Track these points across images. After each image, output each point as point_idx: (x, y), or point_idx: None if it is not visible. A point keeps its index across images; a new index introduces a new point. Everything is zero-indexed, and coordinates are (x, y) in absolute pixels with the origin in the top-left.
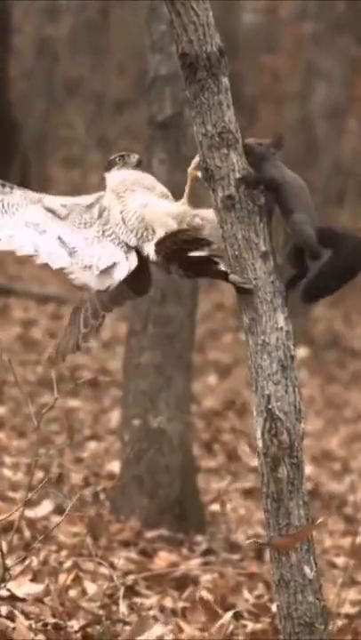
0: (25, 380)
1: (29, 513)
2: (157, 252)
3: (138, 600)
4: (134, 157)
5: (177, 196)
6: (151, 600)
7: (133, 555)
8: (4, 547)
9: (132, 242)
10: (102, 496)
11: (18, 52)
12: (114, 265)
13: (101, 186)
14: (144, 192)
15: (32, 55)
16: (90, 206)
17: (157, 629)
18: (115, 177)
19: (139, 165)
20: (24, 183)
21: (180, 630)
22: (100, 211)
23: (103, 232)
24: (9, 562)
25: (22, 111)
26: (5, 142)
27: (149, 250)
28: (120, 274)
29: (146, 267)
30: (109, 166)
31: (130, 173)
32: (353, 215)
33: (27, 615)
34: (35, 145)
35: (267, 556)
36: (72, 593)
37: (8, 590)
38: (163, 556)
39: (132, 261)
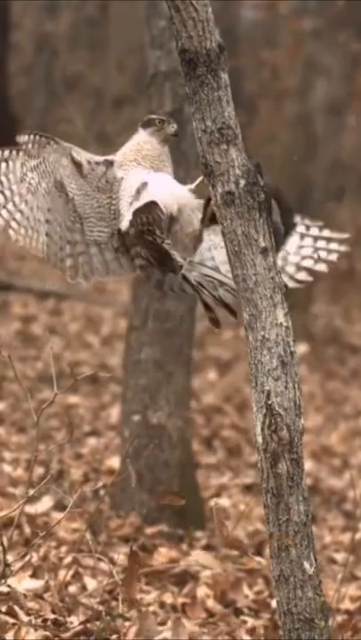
0: (24, 375)
1: (29, 509)
2: (132, 222)
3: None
4: (173, 127)
5: None
6: (151, 596)
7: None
8: (5, 542)
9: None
10: (102, 492)
11: (17, 48)
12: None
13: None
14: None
15: (32, 51)
16: (107, 167)
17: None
18: (141, 139)
19: (175, 136)
20: None
21: None
22: (112, 180)
23: (110, 206)
24: (9, 558)
25: (22, 107)
26: (5, 138)
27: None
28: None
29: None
30: (147, 124)
31: (153, 145)
32: (353, 211)
33: (27, 611)
34: None
35: (267, 551)
36: (72, 589)
37: (9, 586)
38: (162, 551)
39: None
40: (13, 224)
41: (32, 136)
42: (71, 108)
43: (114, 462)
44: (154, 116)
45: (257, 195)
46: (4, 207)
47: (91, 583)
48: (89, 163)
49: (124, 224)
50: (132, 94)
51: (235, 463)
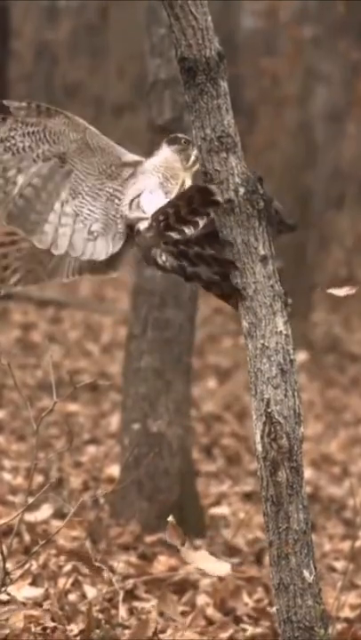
0: (24, 383)
1: (29, 517)
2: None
3: (137, 604)
4: (193, 153)
5: None
6: (151, 604)
7: (133, 559)
8: (5, 550)
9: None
10: (102, 500)
11: (17, 55)
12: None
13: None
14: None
15: (31, 58)
16: (125, 165)
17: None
18: (168, 156)
19: (192, 165)
20: None
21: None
22: (129, 175)
23: (113, 194)
24: (9, 566)
25: None
26: None
27: (142, 223)
28: (99, 249)
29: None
30: (172, 142)
31: (177, 165)
32: (353, 219)
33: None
34: None
35: (266, 559)
36: (71, 597)
37: (8, 594)
38: (162, 560)
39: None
40: None
41: (31, 104)
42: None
43: (114, 470)
44: (180, 135)
45: (256, 203)
46: None
47: (90, 591)
48: (102, 149)
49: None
50: (131, 101)
51: (234, 471)
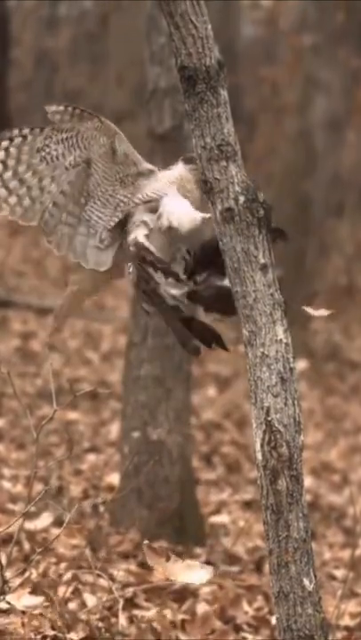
0: (24, 392)
1: (29, 525)
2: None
3: (137, 613)
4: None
5: None
6: (151, 612)
7: (133, 567)
8: (4, 559)
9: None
10: (102, 508)
11: (17, 63)
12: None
13: None
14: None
15: (31, 66)
16: (140, 174)
17: None
18: (183, 173)
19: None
20: None
21: None
22: (142, 185)
23: (122, 201)
24: (8, 574)
25: (22, 122)
26: None
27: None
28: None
29: None
30: (189, 161)
31: (191, 185)
32: (352, 226)
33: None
34: None
35: (266, 568)
36: (71, 605)
37: (7, 603)
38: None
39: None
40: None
41: (67, 108)
42: None
43: (113, 478)
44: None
45: (256, 211)
46: None
47: (90, 599)
48: (126, 156)
49: (136, 236)
50: (131, 109)
51: (234, 479)
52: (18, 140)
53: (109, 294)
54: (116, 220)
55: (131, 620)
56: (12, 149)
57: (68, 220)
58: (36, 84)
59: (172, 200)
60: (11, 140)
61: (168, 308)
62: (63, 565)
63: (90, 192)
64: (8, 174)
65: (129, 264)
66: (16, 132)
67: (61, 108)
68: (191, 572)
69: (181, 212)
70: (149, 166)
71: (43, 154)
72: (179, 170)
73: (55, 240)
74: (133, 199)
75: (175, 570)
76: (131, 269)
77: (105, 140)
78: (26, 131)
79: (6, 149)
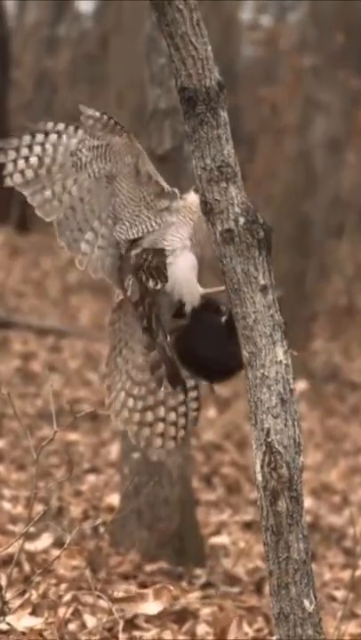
0: (24, 412)
1: (29, 546)
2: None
3: (137, 634)
4: None
5: None
6: (151, 633)
7: (133, 587)
8: (4, 580)
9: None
10: (102, 529)
11: (17, 84)
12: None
13: None
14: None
15: (31, 87)
16: (162, 196)
17: None
18: (195, 203)
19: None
20: (24, 215)
21: None
22: (164, 208)
23: (144, 224)
24: (8, 595)
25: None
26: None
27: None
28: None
29: None
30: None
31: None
32: (352, 247)
33: None
34: None
35: (266, 589)
36: (71, 626)
37: (8, 624)
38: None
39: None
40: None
41: (102, 116)
42: None
43: (113, 499)
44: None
45: (256, 232)
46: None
47: (90, 621)
48: (150, 177)
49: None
50: (131, 131)
51: (234, 500)
52: (54, 137)
53: (109, 314)
54: (134, 231)
55: None
56: (48, 146)
57: (99, 243)
58: (35, 105)
59: (182, 271)
60: (46, 134)
61: (164, 331)
62: (63, 586)
63: (117, 214)
64: (40, 164)
65: (129, 276)
66: (50, 125)
67: (97, 114)
68: (145, 605)
69: (187, 288)
70: (170, 188)
71: (74, 158)
72: (191, 198)
73: (85, 260)
74: (152, 222)
75: (129, 603)
76: (131, 281)
77: (129, 160)
78: (60, 127)
79: (42, 144)
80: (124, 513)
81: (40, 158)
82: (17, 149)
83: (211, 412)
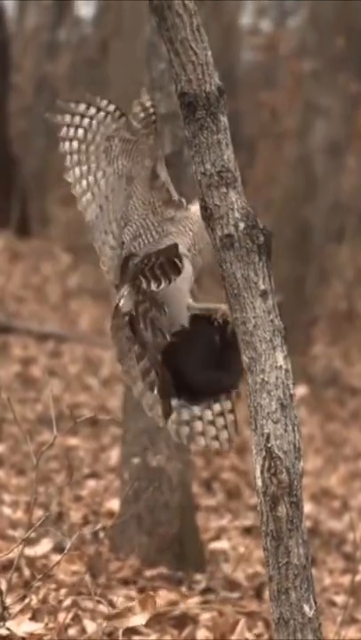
0: (24, 417)
1: (29, 551)
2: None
3: (137, 639)
4: None
5: None
6: (151, 638)
7: (133, 593)
8: (4, 585)
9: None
10: (102, 534)
11: (18, 89)
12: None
13: None
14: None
15: (32, 91)
16: (169, 204)
17: None
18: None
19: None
20: (23, 219)
21: None
22: (170, 217)
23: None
24: (8, 600)
25: (22, 147)
26: (5, 178)
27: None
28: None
29: None
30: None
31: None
32: (353, 252)
33: None
34: (34, 181)
35: (266, 594)
36: (71, 632)
37: (7, 629)
38: (162, 594)
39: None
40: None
41: (149, 108)
42: None
43: (113, 504)
44: None
45: (256, 237)
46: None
47: (90, 626)
48: (163, 184)
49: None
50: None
51: (234, 505)
52: (101, 115)
53: (109, 319)
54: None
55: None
56: (95, 122)
57: (111, 243)
58: (36, 110)
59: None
60: (98, 109)
61: (156, 339)
62: (63, 591)
63: (128, 216)
64: (84, 138)
65: (125, 286)
66: (104, 103)
67: (148, 104)
68: (132, 618)
69: (175, 298)
70: (179, 198)
71: (108, 144)
72: (195, 208)
73: (97, 245)
74: (153, 232)
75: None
76: (126, 291)
77: (149, 163)
78: (111, 107)
79: (91, 118)
80: (124, 518)
81: (86, 132)
82: (72, 115)
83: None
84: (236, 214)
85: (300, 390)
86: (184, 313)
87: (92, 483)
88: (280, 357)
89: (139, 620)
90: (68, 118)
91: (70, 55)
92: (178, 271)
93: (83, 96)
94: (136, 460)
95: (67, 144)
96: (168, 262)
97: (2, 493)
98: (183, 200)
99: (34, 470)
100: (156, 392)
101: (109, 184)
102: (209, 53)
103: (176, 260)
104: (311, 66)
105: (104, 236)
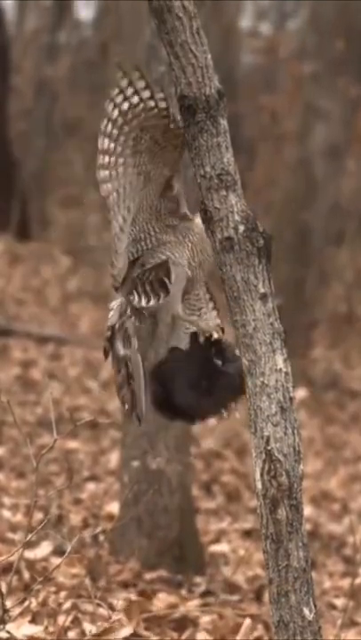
0: (24, 420)
1: (28, 554)
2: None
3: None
4: None
5: None
6: None
7: (133, 596)
8: (4, 588)
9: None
10: (101, 537)
11: (17, 91)
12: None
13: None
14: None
15: (31, 94)
16: (174, 214)
17: None
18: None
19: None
20: (23, 222)
21: None
22: (171, 227)
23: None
24: (8, 603)
25: (21, 149)
26: (5, 180)
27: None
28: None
29: None
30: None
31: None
32: (352, 254)
33: None
34: (34, 183)
35: (266, 597)
36: (71, 634)
37: (7, 632)
38: (162, 597)
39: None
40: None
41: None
42: (71, 151)
43: (113, 508)
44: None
45: (256, 240)
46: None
47: (90, 629)
48: (176, 193)
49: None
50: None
51: (234, 508)
52: (151, 104)
53: None
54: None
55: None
56: (141, 106)
57: (120, 237)
58: (35, 112)
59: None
60: (152, 96)
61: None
62: (63, 594)
63: (136, 216)
64: (126, 113)
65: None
66: (160, 95)
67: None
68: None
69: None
70: (185, 210)
71: (140, 134)
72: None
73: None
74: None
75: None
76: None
77: (167, 172)
78: (163, 104)
79: (140, 100)
80: (124, 521)
81: (129, 108)
82: (129, 83)
83: (210, 420)
84: (236, 217)
85: (300, 393)
86: (177, 323)
87: (91, 486)
88: (280, 360)
89: (126, 632)
90: (124, 83)
91: (70, 58)
92: (167, 290)
93: (146, 74)
94: (136, 463)
95: (110, 107)
96: (158, 281)
97: (2, 496)
98: (188, 214)
99: (34, 473)
100: (127, 407)
101: (127, 175)
102: (209, 56)
103: (165, 280)
104: (311, 68)
105: (120, 219)
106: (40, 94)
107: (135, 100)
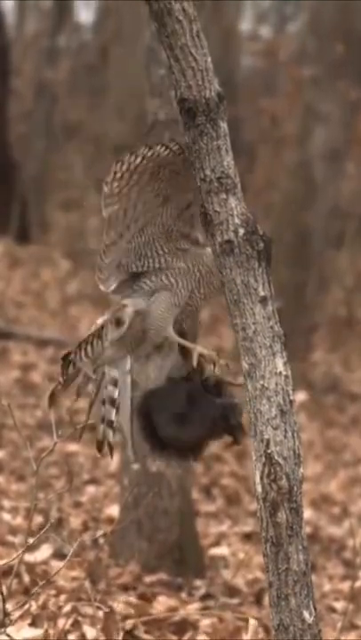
0: (24, 423)
1: (28, 557)
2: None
3: None
4: None
5: None
6: None
7: (132, 599)
8: (4, 591)
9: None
10: (101, 540)
11: (17, 94)
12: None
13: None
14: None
15: (31, 97)
16: (185, 238)
17: None
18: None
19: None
20: (23, 225)
21: None
22: (182, 250)
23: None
24: (8, 606)
25: (21, 152)
26: (5, 183)
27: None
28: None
29: None
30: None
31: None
32: (352, 257)
33: None
34: (33, 186)
35: (266, 600)
36: (71, 637)
37: (7, 635)
38: (162, 600)
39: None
40: None
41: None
42: (70, 153)
43: (113, 511)
44: None
45: (256, 244)
46: None
47: (90, 632)
48: (190, 218)
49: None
50: (131, 141)
51: (234, 511)
52: (163, 150)
53: None
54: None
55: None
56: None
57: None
58: (35, 115)
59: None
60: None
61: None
62: (63, 597)
63: (145, 227)
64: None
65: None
66: (175, 146)
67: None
68: None
69: (156, 323)
70: (199, 235)
71: (157, 169)
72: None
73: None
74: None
75: None
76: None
77: (189, 197)
78: (175, 147)
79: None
80: (124, 524)
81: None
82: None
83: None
84: (236, 220)
85: (300, 396)
86: (172, 347)
87: (91, 489)
88: (280, 363)
89: None
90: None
91: (70, 61)
92: (122, 327)
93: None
94: (136, 467)
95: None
96: (115, 320)
97: (2, 499)
98: (201, 239)
99: (34, 476)
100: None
101: (143, 194)
102: (209, 59)
103: (120, 318)
104: (311, 72)
105: (118, 237)
106: (40, 97)
107: (149, 152)
